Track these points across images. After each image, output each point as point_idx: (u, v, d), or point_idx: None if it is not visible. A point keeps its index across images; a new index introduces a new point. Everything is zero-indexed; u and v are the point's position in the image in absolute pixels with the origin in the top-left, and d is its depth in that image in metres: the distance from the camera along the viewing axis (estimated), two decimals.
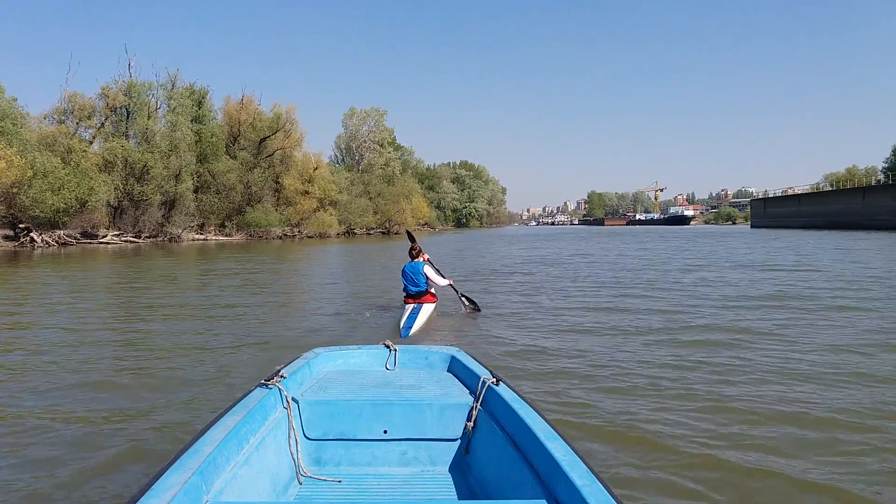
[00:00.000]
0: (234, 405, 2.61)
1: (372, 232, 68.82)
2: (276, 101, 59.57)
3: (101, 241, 39.74)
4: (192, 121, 53.21)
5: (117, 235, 41.33)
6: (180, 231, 45.41)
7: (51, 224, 37.07)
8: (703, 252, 25.84)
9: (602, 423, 4.18)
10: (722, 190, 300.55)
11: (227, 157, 53.68)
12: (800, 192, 78.41)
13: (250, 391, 2.82)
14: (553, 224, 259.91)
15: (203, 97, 54.72)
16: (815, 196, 67.49)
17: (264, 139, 55.75)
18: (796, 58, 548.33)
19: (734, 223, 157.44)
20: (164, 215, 45.22)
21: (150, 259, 26.17)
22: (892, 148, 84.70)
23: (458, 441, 2.97)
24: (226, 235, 50.17)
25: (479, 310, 9.20)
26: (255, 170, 53.65)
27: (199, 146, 51.64)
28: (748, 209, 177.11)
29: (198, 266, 22.12)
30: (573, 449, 2.17)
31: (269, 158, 55.85)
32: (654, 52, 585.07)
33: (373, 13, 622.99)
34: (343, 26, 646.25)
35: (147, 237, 43.44)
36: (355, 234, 64.59)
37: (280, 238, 52.73)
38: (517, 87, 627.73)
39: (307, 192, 56.07)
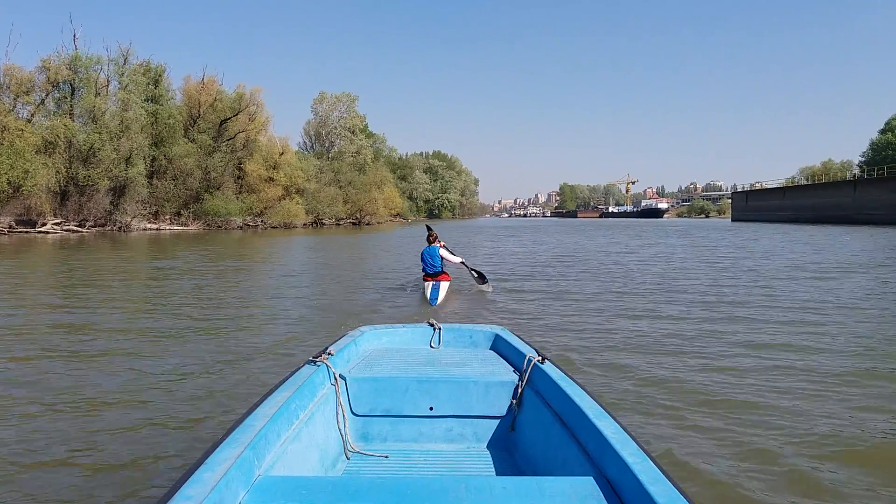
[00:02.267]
0: (283, 381, 2.60)
1: (342, 222, 65.06)
2: (241, 83, 55.66)
3: (40, 230, 35.73)
4: (146, 100, 48.98)
5: (58, 224, 37.30)
6: (130, 219, 41.37)
7: None
8: (741, 249, 23.03)
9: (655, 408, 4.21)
10: (691, 183, 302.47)
11: (186, 140, 49.63)
12: (784, 184, 77.11)
13: (299, 368, 2.83)
14: (525, 216, 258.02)
15: (160, 75, 50.35)
16: (801, 189, 65.72)
17: (225, 121, 51.61)
18: (770, 52, 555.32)
19: (707, 216, 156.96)
20: (112, 202, 41.14)
21: (94, 252, 22.54)
22: (870, 142, 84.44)
23: (504, 419, 2.95)
24: (181, 225, 46.17)
25: (487, 281, 10.74)
26: (216, 154, 49.56)
27: (155, 128, 47.53)
28: (721, 202, 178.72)
29: (148, 264, 18.61)
30: (623, 427, 2.11)
31: (230, 142, 51.77)
32: (627, 45, 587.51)
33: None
34: (314, 11, 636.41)
35: (92, 226, 39.42)
36: (324, 224, 60.76)
37: (241, 228, 48.83)
38: (490, 78, 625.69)
39: (272, 179, 52.12)
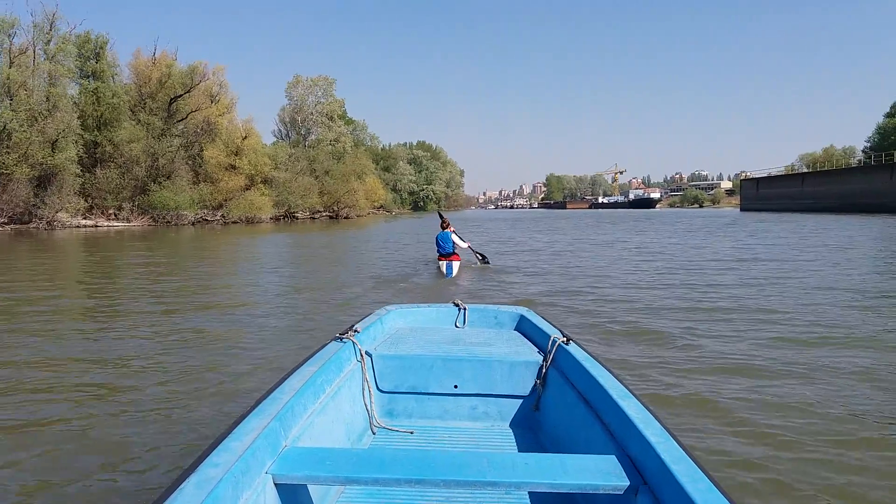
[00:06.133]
0: (310, 357, 2.61)
1: (317, 216, 58.12)
2: (202, 60, 48.63)
3: None
4: (86, 76, 42.27)
5: None
6: (53, 214, 34.46)
7: None
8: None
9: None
10: (676, 173, 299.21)
11: (134, 122, 42.77)
12: (783, 171, 72.08)
13: (325, 344, 2.84)
14: (512, 207, 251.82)
15: (101, 47, 43.48)
16: (824, 175, 59.74)
17: (175, 98, 44.64)
18: (758, 39, 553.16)
19: (701, 206, 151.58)
20: (37, 195, 34.33)
21: None
22: (877, 126, 79.74)
23: (528, 398, 2.96)
24: (123, 220, 39.28)
25: (489, 262, 12.65)
26: (164, 138, 42.62)
27: (97, 109, 40.79)
28: (715, 192, 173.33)
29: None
30: (646, 407, 2.10)
31: (181, 123, 44.79)
32: (613, 35, 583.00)
33: None
34: None
35: (6, 223, 32.58)
36: (296, 217, 53.80)
37: (193, 224, 41.86)
38: (473, 68, 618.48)
39: (233, 167, 45.24)
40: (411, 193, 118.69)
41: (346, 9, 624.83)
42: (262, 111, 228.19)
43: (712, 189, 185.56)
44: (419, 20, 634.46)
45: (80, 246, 22.25)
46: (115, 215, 39.63)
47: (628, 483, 1.77)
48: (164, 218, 40.36)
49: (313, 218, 56.65)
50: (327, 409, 2.38)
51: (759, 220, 41.31)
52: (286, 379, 2.27)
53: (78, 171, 36.54)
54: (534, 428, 2.88)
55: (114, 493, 2.83)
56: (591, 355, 2.74)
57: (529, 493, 2.17)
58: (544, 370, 2.90)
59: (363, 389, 2.82)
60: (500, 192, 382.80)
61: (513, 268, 12.48)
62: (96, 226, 37.38)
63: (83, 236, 28.50)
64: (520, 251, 17.31)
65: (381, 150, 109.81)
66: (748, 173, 77.28)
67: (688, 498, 1.52)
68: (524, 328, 3.57)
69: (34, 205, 34.16)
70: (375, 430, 2.79)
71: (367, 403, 2.81)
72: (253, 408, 1.98)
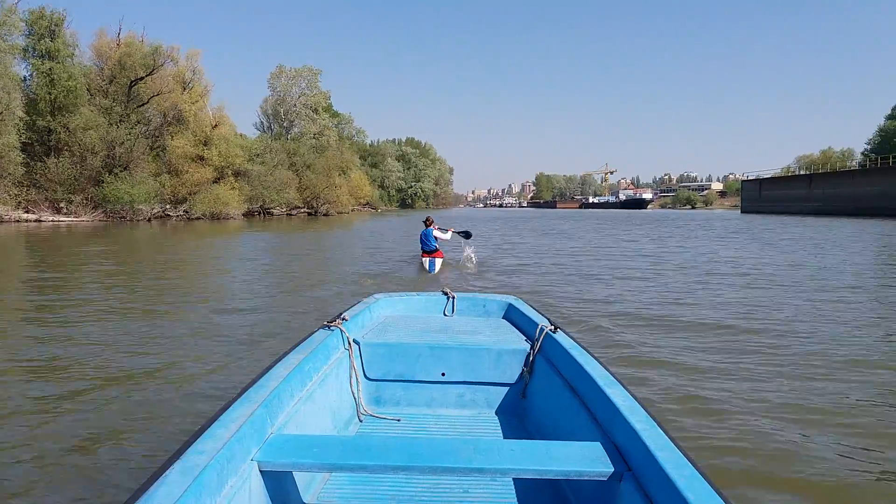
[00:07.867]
0: (297, 345, 2.59)
1: (295, 212, 54.21)
2: (173, 45, 44.40)
3: None
4: (41, 56, 38.33)
5: None
6: None
7: None
8: None
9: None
10: (665, 174, 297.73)
11: (93, 108, 38.81)
12: (780, 173, 69.42)
13: (313, 332, 2.81)
14: (501, 206, 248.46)
15: (57, 25, 39.42)
16: (833, 177, 56.62)
17: (136, 81, 40.57)
18: (747, 41, 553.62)
19: (694, 207, 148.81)
20: None
21: None
22: (878, 128, 77.42)
23: (515, 386, 2.96)
24: (71, 215, 35.26)
25: (470, 235, 13.39)
26: (123, 124, 38.65)
27: (52, 92, 36.89)
28: (707, 193, 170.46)
29: None
30: (632, 395, 2.10)
31: (142, 109, 40.73)
32: (603, 34, 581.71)
33: None
34: None
35: None
36: (272, 214, 49.88)
37: (150, 220, 37.84)
38: (464, 65, 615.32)
39: (202, 158, 41.28)
40: (399, 190, 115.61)
41: (336, 3, 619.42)
42: (246, 106, 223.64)
43: (703, 190, 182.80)
44: (409, 16, 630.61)
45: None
46: (65, 209, 35.64)
47: (613, 469, 1.76)
48: (117, 213, 36.40)
49: (290, 214, 52.79)
50: (314, 397, 2.35)
51: (782, 223, 38.01)
52: (273, 367, 2.24)
53: (22, 158, 32.55)
54: (520, 415, 2.89)
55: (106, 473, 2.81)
56: (578, 343, 2.74)
57: (515, 479, 2.15)
58: (531, 358, 2.91)
59: (350, 377, 2.80)
60: (489, 191, 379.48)
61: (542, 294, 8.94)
62: (39, 220, 33.47)
63: (22, 233, 24.74)
64: (537, 266, 13.77)
65: (370, 146, 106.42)
66: (738, 175, 74.64)
67: (672, 485, 1.50)
68: (512, 316, 3.60)
69: None
70: (362, 417, 2.78)
71: (354, 391, 2.79)
72: (239, 395, 1.94)
